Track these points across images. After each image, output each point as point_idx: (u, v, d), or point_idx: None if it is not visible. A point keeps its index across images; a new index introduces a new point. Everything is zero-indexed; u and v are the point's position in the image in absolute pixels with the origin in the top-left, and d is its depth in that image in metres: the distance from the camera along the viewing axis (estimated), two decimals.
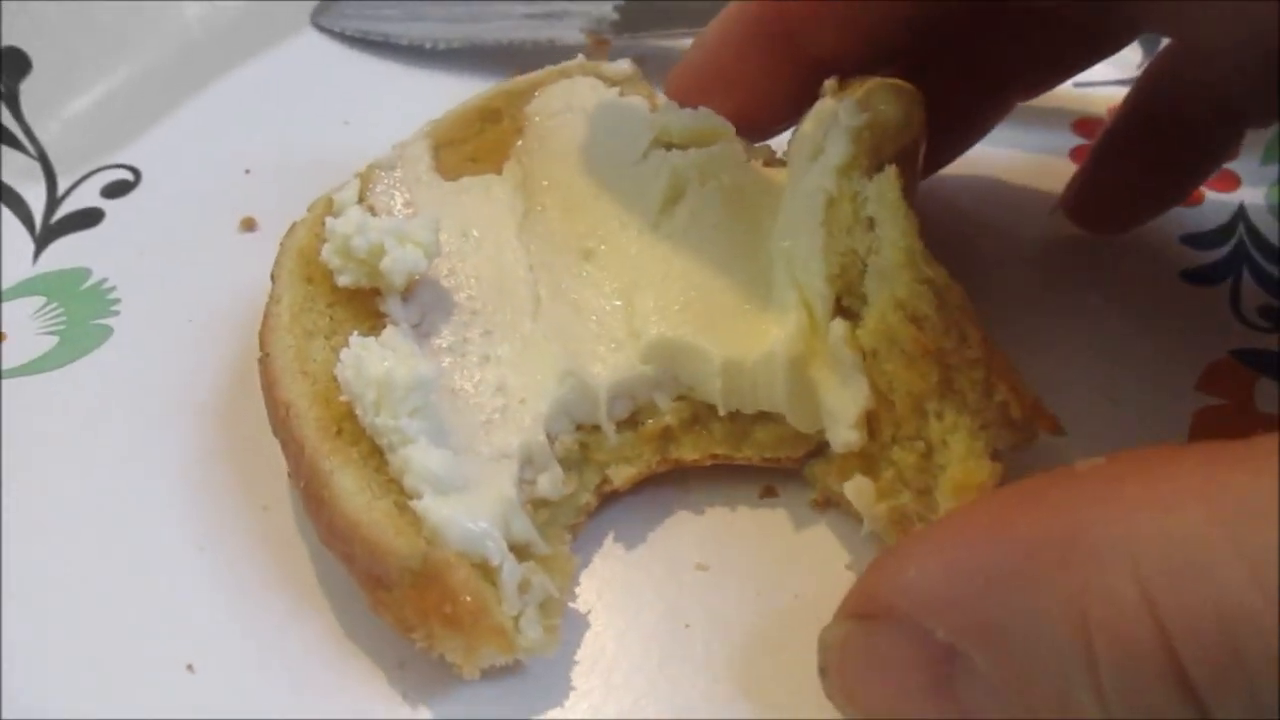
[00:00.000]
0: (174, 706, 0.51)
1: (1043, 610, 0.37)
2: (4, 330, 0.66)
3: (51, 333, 0.66)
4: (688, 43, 0.80)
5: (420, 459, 0.51)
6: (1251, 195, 0.73)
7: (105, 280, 0.69)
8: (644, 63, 0.69)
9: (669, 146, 0.62)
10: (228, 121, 0.79)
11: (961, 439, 0.51)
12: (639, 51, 0.70)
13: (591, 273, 0.59)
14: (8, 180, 0.74)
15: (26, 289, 0.69)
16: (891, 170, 0.53)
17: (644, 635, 0.54)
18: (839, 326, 0.54)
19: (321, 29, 0.86)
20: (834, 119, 0.56)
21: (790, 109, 0.60)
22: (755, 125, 0.62)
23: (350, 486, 0.51)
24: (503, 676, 0.51)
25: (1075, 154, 0.76)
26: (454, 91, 0.70)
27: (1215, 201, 0.70)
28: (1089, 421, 0.60)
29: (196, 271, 0.69)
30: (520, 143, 0.65)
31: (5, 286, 0.69)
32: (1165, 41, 0.67)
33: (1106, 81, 0.78)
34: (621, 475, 0.57)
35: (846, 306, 0.55)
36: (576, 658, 0.53)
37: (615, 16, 0.82)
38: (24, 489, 0.59)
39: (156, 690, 0.52)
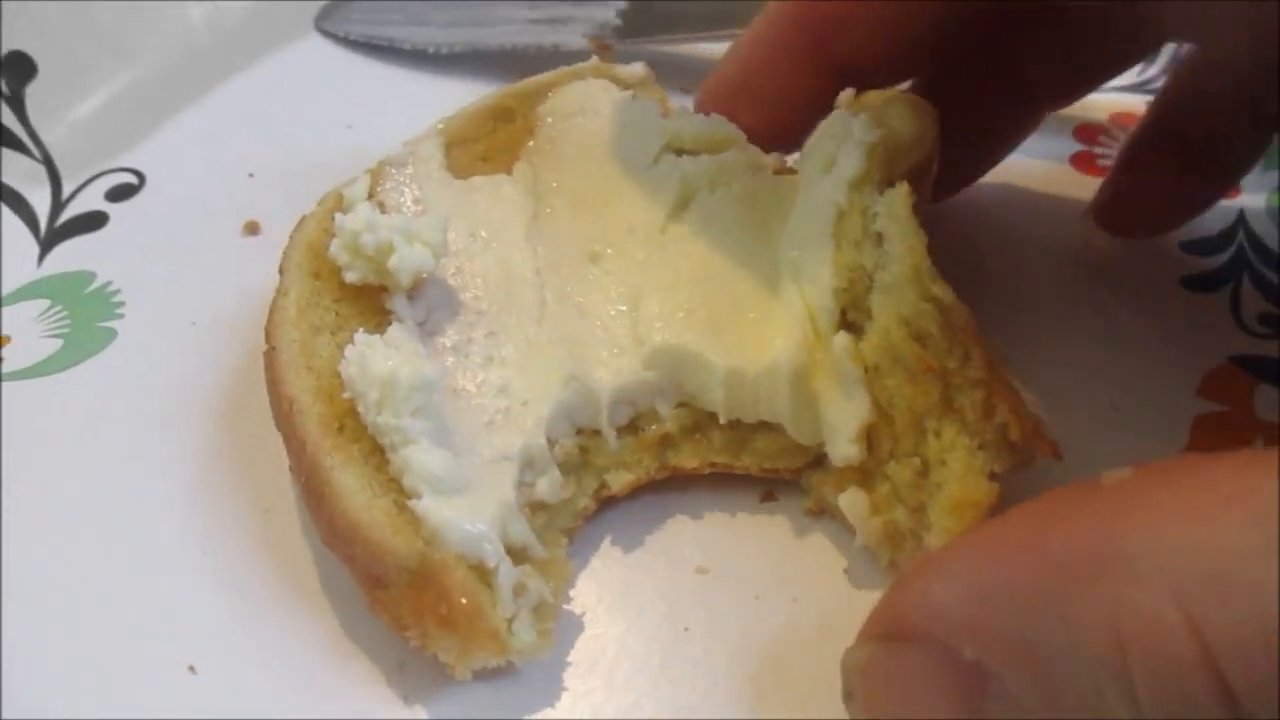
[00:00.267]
0: (175, 707, 0.51)
1: (1075, 627, 0.36)
2: (8, 334, 0.67)
3: (56, 336, 0.67)
4: (690, 48, 0.81)
5: (421, 460, 0.51)
6: (1252, 202, 0.73)
7: (109, 283, 0.69)
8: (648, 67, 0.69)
9: (680, 152, 0.62)
10: (231, 125, 0.79)
11: (959, 458, 0.51)
12: (642, 57, 0.70)
13: (598, 276, 0.59)
14: (12, 183, 0.74)
15: (31, 292, 0.69)
16: (903, 186, 0.53)
17: (644, 637, 0.54)
18: (843, 340, 0.53)
19: (325, 33, 0.86)
20: (848, 132, 0.56)
21: (818, 120, 0.59)
22: (785, 137, 0.62)
23: (351, 484, 0.51)
24: (503, 678, 0.51)
25: (1076, 160, 0.76)
26: (457, 96, 0.70)
27: (1216, 208, 0.70)
28: (1089, 426, 0.60)
29: (200, 275, 0.69)
30: (531, 143, 0.65)
31: (9, 290, 0.69)
32: (1171, 47, 0.67)
33: (1108, 88, 0.78)
34: (620, 481, 0.57)
35: (851, 320, 0.55)
36: (578, 659, 0.53)
37: (618, 22, 0.82)
38: (28, 492, 0.59)
39: (158, 691, 0.52)
